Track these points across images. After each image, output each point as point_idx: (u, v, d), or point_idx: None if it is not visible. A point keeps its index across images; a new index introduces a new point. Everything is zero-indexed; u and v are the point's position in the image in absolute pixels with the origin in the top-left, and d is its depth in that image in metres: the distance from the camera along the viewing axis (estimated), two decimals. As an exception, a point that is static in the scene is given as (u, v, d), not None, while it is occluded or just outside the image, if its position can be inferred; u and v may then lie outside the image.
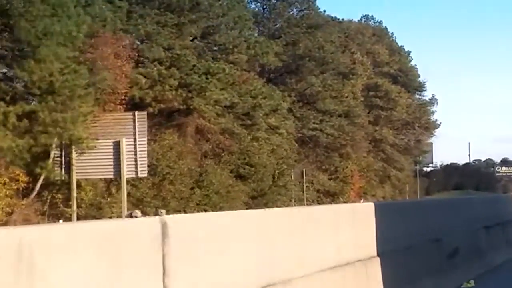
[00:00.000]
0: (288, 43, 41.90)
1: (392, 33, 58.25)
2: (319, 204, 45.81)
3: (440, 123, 64.43)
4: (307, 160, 44.49)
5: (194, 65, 29.06)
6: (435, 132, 64.94)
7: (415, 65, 61.04)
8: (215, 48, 33.17)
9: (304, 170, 39.77)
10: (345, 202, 47.54)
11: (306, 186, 44.06)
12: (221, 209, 32.71)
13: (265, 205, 36.61)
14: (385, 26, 57.76)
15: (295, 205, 39.52)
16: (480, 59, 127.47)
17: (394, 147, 54.79)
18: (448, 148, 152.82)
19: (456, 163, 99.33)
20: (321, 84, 42.61)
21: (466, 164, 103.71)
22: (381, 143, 53.14)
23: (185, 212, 25.43)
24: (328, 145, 44.58)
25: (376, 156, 53.48)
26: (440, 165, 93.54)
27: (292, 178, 39.32)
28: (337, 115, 43.73)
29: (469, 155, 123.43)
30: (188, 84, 28.85)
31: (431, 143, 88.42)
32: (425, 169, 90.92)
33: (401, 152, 57.55)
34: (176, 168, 28.89)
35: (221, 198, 33.74)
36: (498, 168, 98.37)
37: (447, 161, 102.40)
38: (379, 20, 58.23)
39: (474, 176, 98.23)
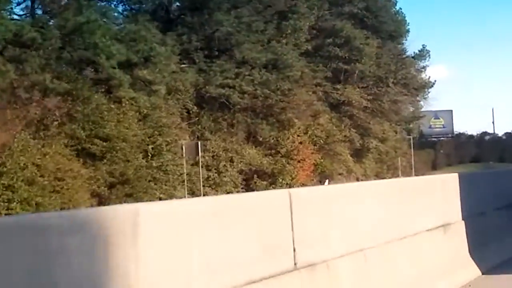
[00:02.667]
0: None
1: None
2: (244, 190, 33.83)
3: (435, 81, 51.20)
4: (225, 130, 32.42)
5: None
6: (427, 92, 51.99)
7: (400, 9, 47.99)
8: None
9: (199, 143, 27.64)
10: (289, 185, 35.51)
11: (223, 165, 32.05)
12: (39, 208, 21.36)
13: (131, 198, 24.78)
14: None
15: (188, 196, 27.59)
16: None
17: (366, 112, 42.22)
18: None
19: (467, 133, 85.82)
20: (234, 23, 30.39)
21: (483, 133, 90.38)
22: (345, 106, 40.67)
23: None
24: (252, 108, 32.42)
25: (340, 123, 41.03)
26: (451, 136, 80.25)
27: (185, 155, 27.27)
28: (262, 67, 31.46)
29: (493, 123, 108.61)
30: None
31: (435, 112, 75.99)
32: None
33: (380, 118, 44.93)
34: None
35: (41, 189, 22.04)
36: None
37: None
38: None
39: (496, 147, 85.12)
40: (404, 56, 41.97)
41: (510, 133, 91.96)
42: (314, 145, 38.87)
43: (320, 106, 38.99)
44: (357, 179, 49.34)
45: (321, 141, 39.05)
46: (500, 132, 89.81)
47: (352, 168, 47.45)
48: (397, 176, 56.81)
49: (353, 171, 47.77)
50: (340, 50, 39.13)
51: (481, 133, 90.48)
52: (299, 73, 32.33)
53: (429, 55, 50.02)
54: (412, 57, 49.21)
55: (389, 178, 54.34)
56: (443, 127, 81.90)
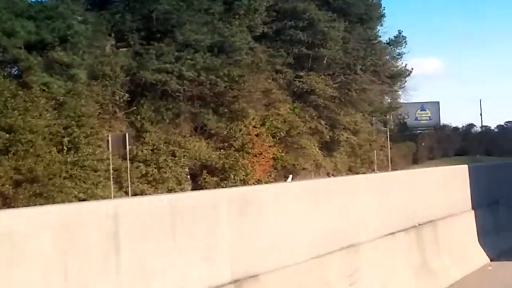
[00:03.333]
0: None
1: None
2: (191, 187, 30.60)
3: (412, 69, 47.84)
4: (168, 121, 29.09)
5: None
6: (404, 82, 48.72)
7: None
8: None
9: (127, 135, 24.32)
10: (243, 182, 32.38)
11: (164, 160, 28.76)
12: None
13: (41, 198, 21.51)
14: None
15: (116, 195, 24.28)
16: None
17: (334, 101, 38.92)
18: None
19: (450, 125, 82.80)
20: (174, 0, 27.06)
21: (470, 125, 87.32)
22: (309, 95, 37.33)
23: None
24: (200, 97, 29.17)
25: (304, 113, 37.75)
26: (434, 128, 77.07)
27: (111, 149, 23.92)
28: (206, 50, 28.13)
29: (480, 115, 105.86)
30: None
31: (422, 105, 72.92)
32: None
33: (351, 108, 41.68)
34: None
35: None
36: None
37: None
38: None
39: (483, 140, 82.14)
40: (374, 41, 38.56)
41: (502, 125, 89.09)
42: (273, 138, 35.62)
43: (281, 95, 35.71)
44: (328, 174, 46.24)
45: (281, 133, 35.76)
46: (492, 125, 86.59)
47: (321, 162, 44.25)
48: (373, 170, 53.74)
49: (322, 165, 44.58)
50: (302, 33, 35.76)
51: (467, 125, 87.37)
52: (248, 57, 28.97)
53: (405, 42, 46.76)
54: (387, 43, 45.95)
55: (363, 172, 51.27)
56: (430, 119, 79.05)
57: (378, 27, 45.34)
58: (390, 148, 57.48)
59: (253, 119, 32.88)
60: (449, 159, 73.34)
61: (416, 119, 78.83)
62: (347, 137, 44.77)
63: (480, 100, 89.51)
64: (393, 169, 55.55)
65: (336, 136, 43.99)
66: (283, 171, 39.00)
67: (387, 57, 44.93)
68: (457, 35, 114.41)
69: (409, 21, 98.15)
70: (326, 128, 42.80)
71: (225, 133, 32.45)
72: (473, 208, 9.93)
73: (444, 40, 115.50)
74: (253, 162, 33.54)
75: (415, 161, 67.08)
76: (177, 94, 28.49)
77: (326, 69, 37.04)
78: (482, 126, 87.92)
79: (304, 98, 37.65)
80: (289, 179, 39.13)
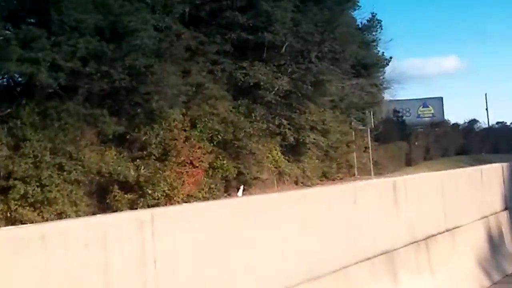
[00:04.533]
0: None
1: None
2: (95, 210, 24.29)
3: (390, 58, 41.34)
4: (56, 127, 22.86)
5: None
6: (382, 73, 42.22)
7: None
8: None
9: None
10: (168, 198, 26.37)
11: (49, 176, 22.48)
12: None
13: None
14: None
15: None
16: None
17: (290, 97, 32.54)
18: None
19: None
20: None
21: (472, 121, 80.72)
22: (255, 89, 30.99)
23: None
24: (99, 94, 22.97)
25: (251, 112, 31.46)
26: (431, 125, 70.53)
27: None
28: (92, 33, 21.87)
29: (486, 109, 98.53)
30: None
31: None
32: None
33: (314, 104, 35.32)
34: None
35: None
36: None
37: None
38: None
39: (488, 137, 75.85)
40: (335, 24, 32.07)
41: (503, 122, 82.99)
42: (210, 142, 29.32)
43: (218, 91, 29.40)
44: (296, 182, 39.97)
45: (219, 136, 29.45)
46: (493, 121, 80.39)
47: (285, 169, 37.92)
48: (353, 175, 47.35)
49: (286, 172, 38.25)
50: (242, 15, 29.47)
51: (469, 121, 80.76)
52: (150, 42, 22.65)
53: (380, 27, 40.41)
54: (358, 28, 39.54)
55: (340, 178, 44.89)
56: (433, 116, 73.66)
57: (352, 12, 39.17)
58: (375, 150, 51.16)
59: (174, 120, 26.59)
60: (449, 158, 67.15)
61: (418, 116, 73.81)
62: (314, 139, 38.39)
63: (486, 95, 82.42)
64: (378, 174, 49.26)
65: (302, 138, 37.67)
66: (234, 182, 32.84)
67: (358, 45, 38.49)
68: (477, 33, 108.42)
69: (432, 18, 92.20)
70: (289, 129, 36.59)
71: (144, 138, 26.30)
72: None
73: (464, 38, 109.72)
74: (181, 172, 27.30)
75: (409, 162, 60.52)
76: (71, 92, 22.36)
77: (275, 58, 30.68)
78: (488, 122, 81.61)
79: (252, 93, 31.34)
80: (240, 191, 32.99)
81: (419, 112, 74.32)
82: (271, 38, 29.69)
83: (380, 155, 52.60)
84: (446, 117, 75.20)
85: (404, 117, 67.34)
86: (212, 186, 29.84)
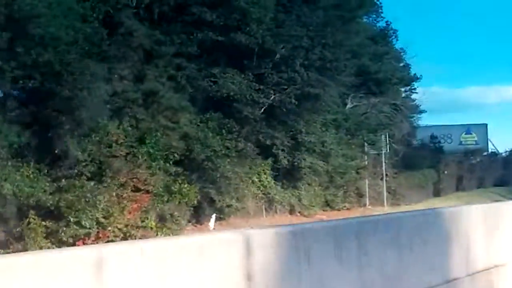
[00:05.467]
0: None
1: None
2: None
3: (415, 76, 35.83)
4: None
5: None
6: (399, 91, 36.65)
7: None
8: None
9: None
10: (101, 227, 21.53)
11: None
12: None
13: None
14: None
15: None
16: None
17: (274, 112, 27.39)
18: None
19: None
20: None
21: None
22: (228, 101, 25.88)
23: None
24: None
25: (225, 128, 26.39)
26: (465, 153, 64.32)
27: None
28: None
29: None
30: None
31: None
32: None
33: (314, 122, 30.07)
34: None
35: None
36: None
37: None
38: None
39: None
40: (330, 29, 26.67)
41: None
42: (165, 162, 24.30)
43: (178, 101, 24.39)
44: (291, 212, 34.72)
45: (176, 155, 24.38)
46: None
47: (275, 196, 32.74)
48: (364, 205, 41.75)
49: (277, 200, 33.07)
50: (211, 12, 24.51)
51: (511, 150, 74.27)
52: (63, 33, 17.84)
53: (396, 37, 34.94)
54: (370, 38, 34.12)
55: (347, 208, 39.47)
56: (476, 144, 68.06)
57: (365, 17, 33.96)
58: (394, 177, 45.55)
59: (108, 134, 21.68)
60: (485, 190, 61.22)
61: (460, 143, 68.58)
62: (311, 163, 33.10)
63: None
64: (395, 204, 43.63)
65: (296, 162, 32.51)
66: (208, 210, 27.95)
67: (369, 57, 33.15)
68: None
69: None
70: (282, 150, 31.53)
71: (78, 153, 21.51)
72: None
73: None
74: (120, 196, 22.36)
75: (437, 193, 54.54)
76: None
77: (252, 65, 25.59)
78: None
79: (225, 106, 26.26)
80: (212, 221, 28.07)
81: (462, 139, 69.31)
82: (245, 40, 24.60)
83: (401, 183, 46.98)
84: (493, 146, 69.78)
85: (444, 144, 62.25)
86: (172, 214, 24.89)
